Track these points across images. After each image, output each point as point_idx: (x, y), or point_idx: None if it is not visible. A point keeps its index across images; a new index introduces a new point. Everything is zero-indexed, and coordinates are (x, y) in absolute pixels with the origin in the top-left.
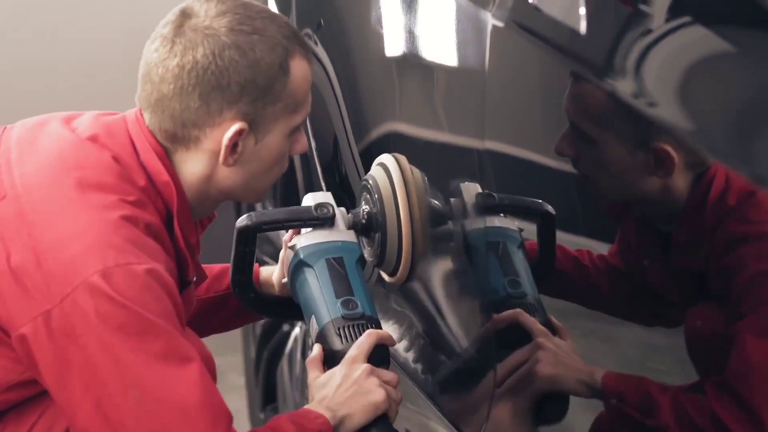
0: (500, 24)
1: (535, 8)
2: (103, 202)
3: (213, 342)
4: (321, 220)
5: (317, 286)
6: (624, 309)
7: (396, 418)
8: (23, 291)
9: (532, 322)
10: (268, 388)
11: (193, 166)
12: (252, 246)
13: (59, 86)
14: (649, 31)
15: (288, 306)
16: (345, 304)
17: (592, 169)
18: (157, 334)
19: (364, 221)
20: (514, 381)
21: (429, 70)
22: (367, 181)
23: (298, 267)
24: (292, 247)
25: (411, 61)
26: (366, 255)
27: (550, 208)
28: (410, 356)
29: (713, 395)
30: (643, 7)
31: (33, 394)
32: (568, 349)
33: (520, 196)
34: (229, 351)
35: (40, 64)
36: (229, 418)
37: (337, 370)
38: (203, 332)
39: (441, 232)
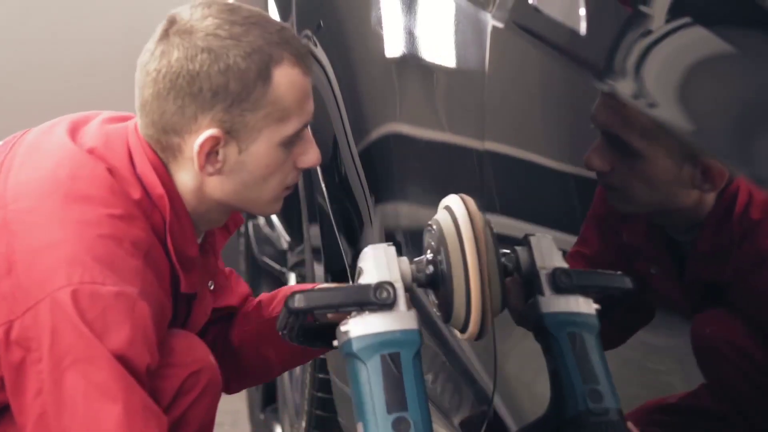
0: (500, 25)
1: (535, 9)
2: (86, 218)
3: None
4: (380, 305)
5: (368, 391)
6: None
7: None
8: None
9: None
10: (268, 389)
11: (184, 176)
12: (302, 322)
13: (59, 87)
14: (648, 32)
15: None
16: (396, 425)
17: (629, 181)
18: (101, 366)
19: (428, 273)
20: None
21: (429, 71)
22: (431, 227)
23: (349, 357)
24: (345, 333)
25: (411, 62)
26: (434, 309)
27: (631, 282)
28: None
29: None
30: (642, 8)
31: None
32: None
33: (594, 272)
34: None
35: (40, 64)
36: None
37: None
38: (262, 359)
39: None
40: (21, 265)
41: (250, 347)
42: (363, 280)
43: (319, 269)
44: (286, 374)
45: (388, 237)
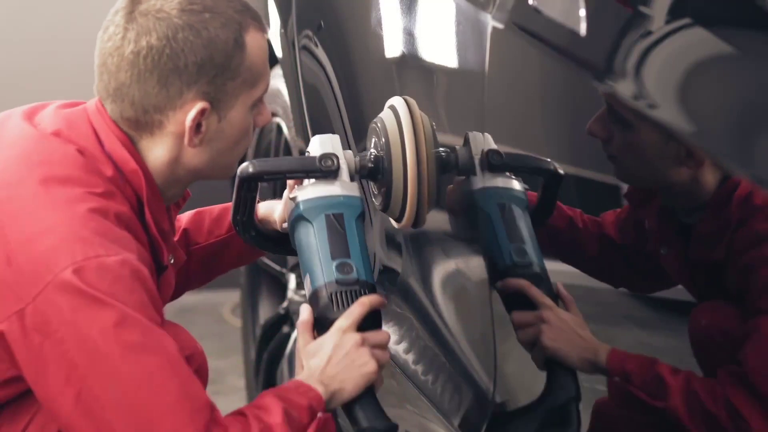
0: (500, 26)
1: (535, 10)
2: (70, 196)
3: (213, 345)
4: (324, 172)
5: (314, 244)
6: (603, 273)
7: (382, 383)
8: None
9: (539, 295)
10: (267, 388)
11: (158, 151)
12: (254, 192)
13: (58, 87)
14: (648, 33)
15: (288, 242)
16: (340, 268)
17: (623, 151)
18: (131, 325)
19: (371, 165)
20: (523, 336)
21: (429, 71)
22: (376, 123)
23: (297, 220)
24: (293, 199)
25: (411, 62)
26: (373, 199)
27: (557, 167)
28: (410, 358)
29: (728, 384)
30: (642, 8)
31: (21, 392)
32: (573, 323)
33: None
34: (229, 353)
35: (39, 64)
36: (208, 406)
37: (327, 339)
38: (211, 275)
39: (446, 180)
40: (20, 254)
41: (197, 272)
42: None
43: None
44: (286, 375)
45: (389, 238)
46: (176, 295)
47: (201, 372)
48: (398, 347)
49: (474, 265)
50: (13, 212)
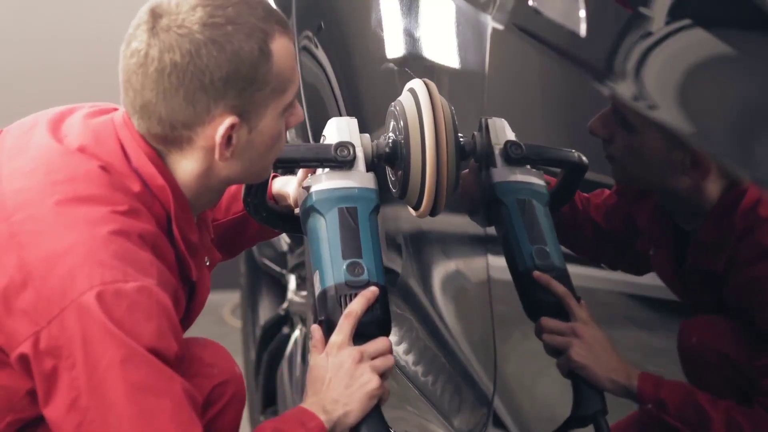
0: (500, 27)
1: (535, 11)
2: (92, 217)
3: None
4: (339, 162)
5: (325, 240)
6: (596, 254)
7: (389, 395)
8: (14, 312)
9: (576, 307)
10: (268, 391)
11: (188, 164)
12: (270, 216)
13: (58, 87)
14: (648, 34)
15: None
16: (351, 269)
17: (624, 153)
18: (138, 363)
19: (388, 150)
20: (549, 340)
21: (429, 72)
22: (394, 106)
23: (309, 211)
24: (306, 188)
25: (411, 63)
26: (390, 186)
27: (581, 157)
28: (410, 359)
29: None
30: (642, 9)
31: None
32: (604, 342)
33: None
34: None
35: (38, 65)
36: None
37: (325, 359)
38: (233, 251)
39: (464, 166)
40: (37, 276)
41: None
42: (325, 142)
43: None
44: (286, 377)
45: (389, 240)
46: None
47: (236, 398)
48: (398, 348)
49: (474, 266)
50: (36, 232)
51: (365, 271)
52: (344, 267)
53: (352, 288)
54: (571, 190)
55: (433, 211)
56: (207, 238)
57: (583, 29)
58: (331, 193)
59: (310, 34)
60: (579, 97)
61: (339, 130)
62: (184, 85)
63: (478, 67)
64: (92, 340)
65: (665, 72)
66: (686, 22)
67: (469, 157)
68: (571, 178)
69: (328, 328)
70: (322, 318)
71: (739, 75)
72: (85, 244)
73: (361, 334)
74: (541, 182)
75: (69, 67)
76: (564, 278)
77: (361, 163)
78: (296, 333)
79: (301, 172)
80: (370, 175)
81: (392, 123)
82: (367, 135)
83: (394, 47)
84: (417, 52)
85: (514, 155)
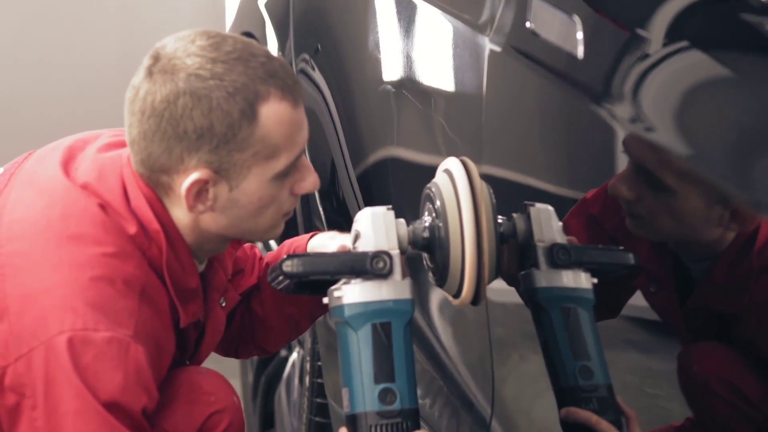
0: (498, 49)
1: (533, 33)
2: (78, 260)
3: (210, 368)
4: (375, 275)
5: (356, 359)
6: None
7: None
8: None
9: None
10: (266, 414)
11: (178, 211)
12: (294, 286)
13: (55, 113)
14: (646, 56)
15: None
16: (382, 396)
17: (656, 214)
18: (89, 419)
19: (425, 236)
20: None
21: (427, 95)
22: (430, 189)
23: (341, 323)
24: (339, 298)
25: (409, 86)
26: (429, 274)
27: (637, 259)
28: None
29: None
30: (640, 31)
31: None
32: None
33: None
34: (227, 376)
35: (35, 90)
36: None
37: None
38: (287, 314)
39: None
40: (13, 311)
41: (271, 311)
42: (360, 245)
43: None
44: (284, 399)
45: None
46: (259, 335)
47: (233, 427)
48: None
49: None
50: (20, 267)
51: (397, 398)
52: (376, 393)
53: (383, 418)
54: (623, 300)
55: (474, 301)
56: (222, 279)
57: (580, 51)
58: (365, 308)
59: (307, 56)
60: (576, 120)
61: (375, 228)
62: (159, 130)
63: (476, 90)
64: (54, 383)
65: (663, 94)
66: (684, 44)
67: (507, 242)
68: (623, 284)
69: None
70: None
71: (737, 97)
72: (64, 287)
73: None
74: (587, 287)
75: (65, 93)
76: (607, 397)
77: (397, 272)
78: (294, 356)
79: (339, 244)
80: (406, 283)
81: (428, 206)
82: (402, 222)
83: (392, 69)
84: (414, 74)
85: (560, 262)
